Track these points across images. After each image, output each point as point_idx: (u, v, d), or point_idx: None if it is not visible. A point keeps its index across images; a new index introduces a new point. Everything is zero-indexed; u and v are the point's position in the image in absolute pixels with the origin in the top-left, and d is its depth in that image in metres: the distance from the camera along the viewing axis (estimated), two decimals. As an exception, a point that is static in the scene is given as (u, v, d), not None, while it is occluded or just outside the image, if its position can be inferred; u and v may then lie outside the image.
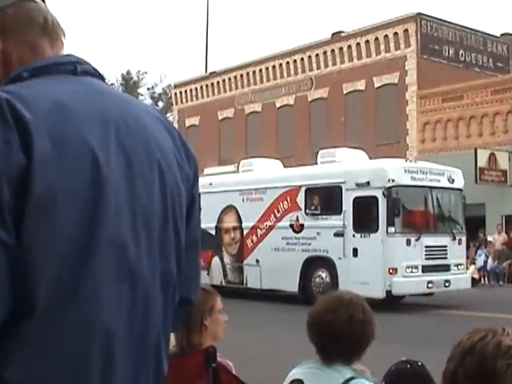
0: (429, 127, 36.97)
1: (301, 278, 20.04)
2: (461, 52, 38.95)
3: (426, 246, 19.01)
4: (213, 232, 22.23)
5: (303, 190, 20.27)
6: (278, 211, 20.82)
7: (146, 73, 67.39)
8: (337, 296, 3.04)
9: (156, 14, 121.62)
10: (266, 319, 17.07)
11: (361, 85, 39.88)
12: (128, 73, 65.98)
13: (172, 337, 3.41)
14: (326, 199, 19.95)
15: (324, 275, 19.76)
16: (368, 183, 18.81)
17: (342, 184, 19.33)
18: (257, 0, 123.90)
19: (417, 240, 18.81)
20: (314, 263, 19.91)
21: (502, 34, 40.77)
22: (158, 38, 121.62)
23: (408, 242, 18.76)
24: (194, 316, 3.52)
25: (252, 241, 21.47)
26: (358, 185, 18.97)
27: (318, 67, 42.00)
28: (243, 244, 21.65)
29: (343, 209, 19.18)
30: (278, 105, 44.19)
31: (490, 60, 39.72)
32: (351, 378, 2.75)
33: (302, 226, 20.21)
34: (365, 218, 19.02)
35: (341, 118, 39.77)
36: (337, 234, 19.18)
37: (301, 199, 20.32)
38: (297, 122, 42.40)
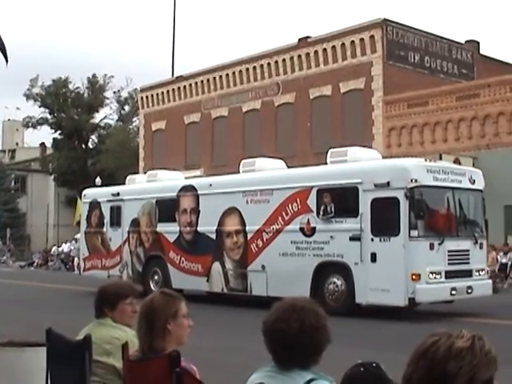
0: (394, 132, 35.33)
1: (312, 284, 17.58)
2: (426, 58, 37.11)
3: (449, 251, 16.61)
4: (213, 236, 19.75)
5: (315, 191, 17.74)
6: (287, 214, 18.26)
7: (112, 76, 63.66)
8: (290, 303, 2.80)
9: (123, 18, 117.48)
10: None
11: (327, 90, 37.89)
12: (94, 76, 62.63)
13: (136, 341, 3.46)
14: (340, 201, 17.45)
15: (338, 281, 17.34)
16: (388, 183, 16.39)
17: (359, 184, 16.89)
18: (224, 5, 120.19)
19: (440, 244, 16.41)
20: (326, 269, 17.51)
21: (466, 41, 39.10)
22: (124, 42, 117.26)
23: (431, 246, 16.36)
24: (157, 320, 3.38)
25: (257, 245, 18.83)
26: (376, 185, 16.55)
27: (285, 72, 39.75)
28: (247, 248, 19.01)
29: (360, 211, 16.78)
30: (244, 109, 41.79)
31: (455, 66, 37.95)
32: (312, 380, 2.64)
33: (313, 230, 17.72)
34: (384, 220, 16.62)
35: (307, 124, 37.72)
36: (353, 238, 16.80)
37: (312, 201, 17.81)
38: (263, 126, 40.18)
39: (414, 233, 16.16)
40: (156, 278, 21.40)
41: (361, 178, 16.89)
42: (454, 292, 16.63)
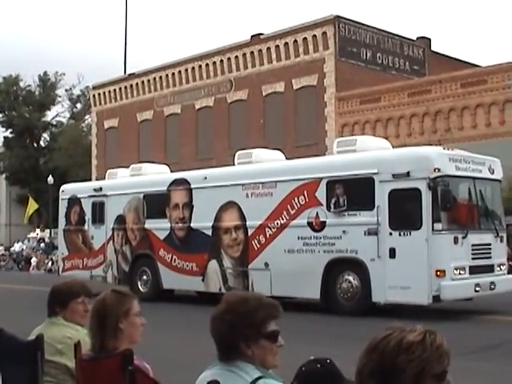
0: (347, 129, 33.34)
1: (323, 282, 15.39)
2: (378, 55, 35.27)
3: (473, 245, 14.46)
4: (208, 232, 17.40)
5: (324, 182, 15.47)
6: (293, 207, 15.97)
7: (63, 74, 59.62)
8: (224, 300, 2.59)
9: (74, 15, 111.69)
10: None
11: (280, 87, 35.82)
12: (45, 74, 58.44)
13: (88, 340, 3.33)
14: (353, 193, 15.14)
15: (352, 279, 15.14)
16: (408, 174, 14.18)
17: (375, 175, 14.66)
18: (177, 2, 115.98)
19: (464, 238, 14.23)
20: (338, 266, 15.32)
21: (417, 38, 37.27)
22: (76, 39, 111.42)
23: (455, 240, 14.18)
24: (109, 319, 3.22)
25: (259, 242, 16.49)
26: (395, 176, 14.37)
27: (238, 69, 37.39)
28: (248, 245, 16.66)
29: (376, 203, 14.60)
30: (197, 106, 39.34)
31: (407, 63, 36.22)
32: (259, 378, 2.45)
33: (323, 224, 15.46)
34: (404, 213, 14.52)
35: (260, 120, 35.72)
36: (369, 233, 14.69)
37: (321, 193, 15.52)
38: (216, 123, 37.86)
39: (438, 226, 13.96)
40: (144, 277, 19.08)
41: (377, 167, 14.65)
42: (478, 288, 14.50)
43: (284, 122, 35.04)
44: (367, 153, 15.36)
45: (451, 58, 37.57)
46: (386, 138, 31.09)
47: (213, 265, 17.29)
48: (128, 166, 21.23)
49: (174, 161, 34.76)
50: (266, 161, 17.25)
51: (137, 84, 42.25)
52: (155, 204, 18.84)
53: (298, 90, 34.88)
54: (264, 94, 36.15)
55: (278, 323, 2.54)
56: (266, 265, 16.36)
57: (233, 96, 37.41)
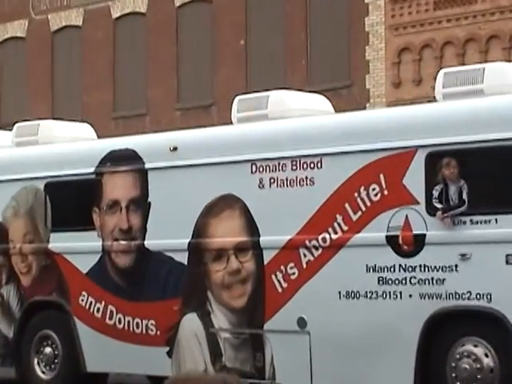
0: (408, 56, 31.84)
1: (419, 360, 13.59)
2: None
3: None
4: (181, 258, 15.92)
5: (422, 155, 13.80)
6: (356, 208, 14.24)
7: None
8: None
9: None
10: None
11: None
12: None
13: None
14: (487, 178, 13.72)
15: (482, 354, 13.31)
16: None
17: None
18: None
19: None
20: (452, 327, 13.80)
21: None
22: None
23: None
24: None
25: (287, 277, 14.84)
26: None
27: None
28: (263, 284, 15.07)
29: None
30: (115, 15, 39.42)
31: None
32: None
33: (418, 241, 13.75)
34: None
35: (240, 41, 35.80)
36: None
37: (415, 179, 13.82)
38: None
39: None
40: (48, 351, 17.42)
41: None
42: None
43: (283, 44, 34.22)
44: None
45: None
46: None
47: (190, 324, 15.64)
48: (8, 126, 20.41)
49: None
50: (295, 113, 15.69)
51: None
52: (70, 202, 17.78)
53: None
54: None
55: None
56: (302, 322, 14.73)
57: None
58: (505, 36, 29.60)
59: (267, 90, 18.23)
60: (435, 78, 20.11)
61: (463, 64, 28.60)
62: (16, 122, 20.16)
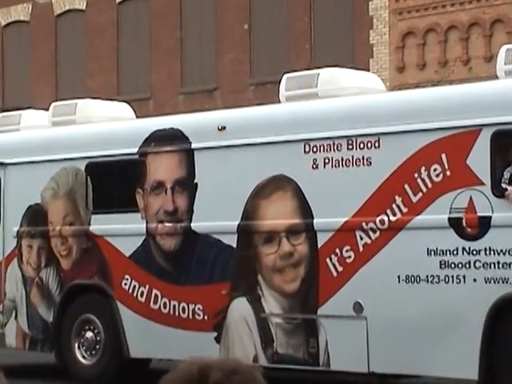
0: (412, 40, 31.90)
1: (484, 347, 13.33)
2: None
3: None
4: (231, 240, 15.66)
5: (488, 134, 13.49)
6: (416, 189, 14.01)
7: None
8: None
9: None
10: None
11: None
12: None
13: None
14: None
15: None
16: None
17: None
18: None
19: None
20: None
21: None
22: None
23: None
24: None
25: (342, 260, 14.58)
26: None
27: None
28: (317, 268, 14.80)
29: None
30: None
31: None
32: None
33: (484, 224, 13.50)
34: None
35: (243, 25, 36.12)
36: None
37: (481, 159, 13.52)
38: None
39: None
40: (89, 336, 17.22)
41: None
42: None
43: (287, 28, 34.50)
44: None
45: None
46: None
47: (240, 309, 15.46)
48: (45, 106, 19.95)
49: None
50: (348, 91, 15.33)
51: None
52: (112, 183, 17.68)
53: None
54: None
55: None
56: (358, 307, 14.52)
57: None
58: (509, 20, 29.71)
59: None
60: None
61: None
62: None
